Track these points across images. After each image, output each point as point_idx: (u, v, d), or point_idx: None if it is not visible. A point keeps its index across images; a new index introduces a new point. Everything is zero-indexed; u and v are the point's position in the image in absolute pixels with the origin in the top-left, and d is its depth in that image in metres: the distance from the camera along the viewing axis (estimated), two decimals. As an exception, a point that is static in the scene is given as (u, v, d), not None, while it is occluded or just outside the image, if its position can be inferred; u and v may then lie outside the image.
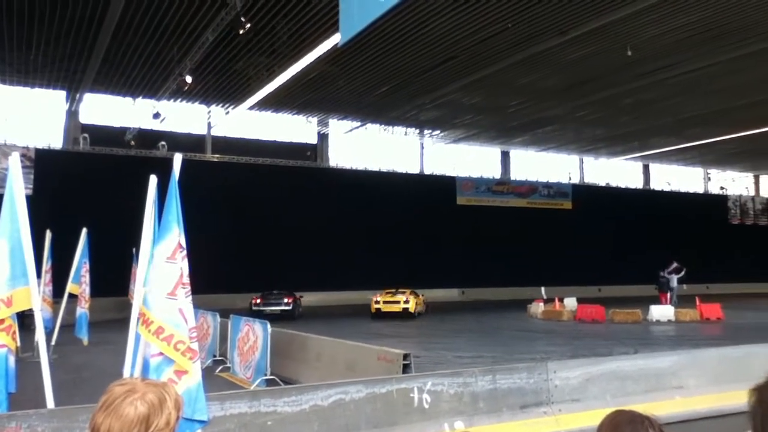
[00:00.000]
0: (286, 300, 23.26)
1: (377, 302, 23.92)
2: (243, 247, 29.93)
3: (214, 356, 12.49)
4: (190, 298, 4.35)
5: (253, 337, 10.40)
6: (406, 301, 23.57)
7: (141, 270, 5.16)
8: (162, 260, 4.33)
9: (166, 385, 1.63)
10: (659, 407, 7.89)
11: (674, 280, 29.52)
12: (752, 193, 50.32)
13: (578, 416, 7.10)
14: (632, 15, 18.34)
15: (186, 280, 4.32)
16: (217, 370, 11.60)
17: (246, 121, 32.31)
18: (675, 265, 29.67)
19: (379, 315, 23.42)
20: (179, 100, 27.57)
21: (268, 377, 9.77)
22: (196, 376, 4.23)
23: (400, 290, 24.64)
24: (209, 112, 30.98)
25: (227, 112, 29.59)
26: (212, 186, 28.96)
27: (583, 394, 7.74)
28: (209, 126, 32.08)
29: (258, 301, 23.31)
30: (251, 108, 27.48)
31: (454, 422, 6.56)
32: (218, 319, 12.81)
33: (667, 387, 8.49)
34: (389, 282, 32.13)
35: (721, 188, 48.64)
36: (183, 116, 30.69)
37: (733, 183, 49.35)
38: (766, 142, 35.07)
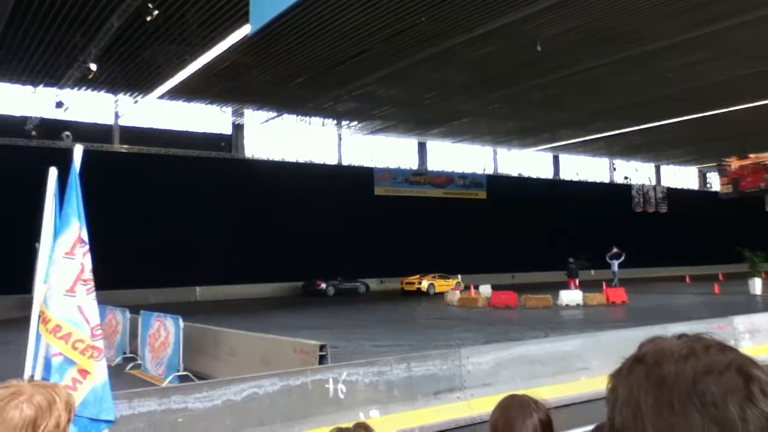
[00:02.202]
0: (317, 282, 32.74)
1: (402, 283, 32.88)
2: (154, 241, 29.01)
3: (124, 353, 12.09)
4: (94, 294, 4.19)
5: (164, 332, 10.13)
6: (420, 283, 31.98)
7: (41, 266, 4.94)
8: (60, 256, 4.15)
9: (56, 387, 1.57)
10: (566, 389, 8.26)
11: (615, 264, 30.87)
12: (654, 182, 53.12)
13: (489, 400, 7.29)
14: (532, 15, 19.07)
15: (87, 276, 4.15)
16: (128, 368, 11.24)
17: (157, 111, 31.27)
18: (615, 250, 31.00)
19: (404, 292, 32.09)
20: (84, 88, 26.40)
21: (181, 373, 9.55)
22: (101, 374, 4.08)
23: (425, 275, 32.64)
24: (116, 101, 29.78)
25: (136, 101, 28.53)
26: (121, 177, 27.97)
27: (495, 379, 7.98)
28: (116, 115, 30.86)
29: (302, 284, 33.62)
30: (161, 97, 26.63)
31: (369, 411, 6.63)
32: (128, 315, 12.39)
33: (574, 369, 8.87)
34: (305, 274, 32.40)
35: (625, 178, 51.06)
36: (89, 105, 29.38)
37: (636, 173, 51.89)
38: (665, 135, 37.18)
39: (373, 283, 35.36)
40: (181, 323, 9.80)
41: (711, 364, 0.76)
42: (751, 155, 40.37)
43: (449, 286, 30.42)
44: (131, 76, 24.90)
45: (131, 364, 11.44)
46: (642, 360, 0.81)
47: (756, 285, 26.28)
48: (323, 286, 32.79)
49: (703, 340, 0.81)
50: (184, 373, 9.59)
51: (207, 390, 5.85)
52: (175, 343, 9.73)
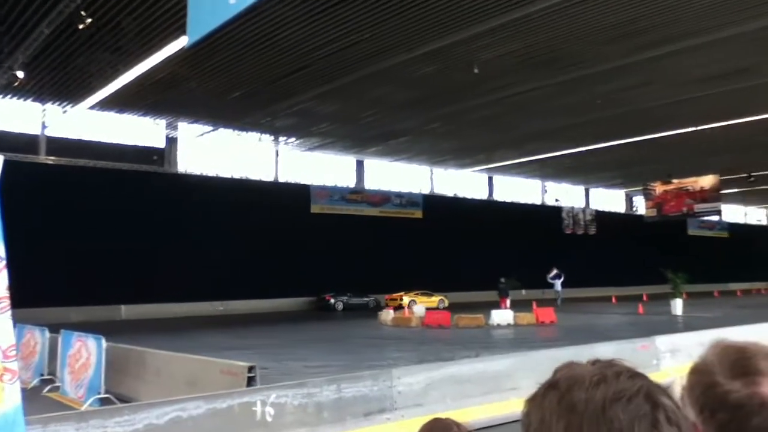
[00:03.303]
0: (326, 298, 33.93)
1: (386, 299, 33.66)
2: (79, 257, 27.87)
3: (42, 375, 11.52)
4: (9, 313, 3.96)
5: (85, 353, 9.71)
6: (401, 299, 32.59)
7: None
8: (-29, 273, 3.91)
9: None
10: (495, 408, 8.34)
11: (557, 284, 31.60)
12: (583, 204, 54.78)
13: (419, 420, 7.17)
14: (473, 37, 19.46)
15: (2, 293, 3.93)
16: (45, 390, 10.72)
17: (87, 122, 30.24)
18: (555, 271, 31.76)
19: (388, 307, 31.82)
20: (9, 96, 25.37)
21: (103, 396, 9.17)
22: (13, 398, 3.85)
23: (408, 292, 33.65)
24: (44, 110, 28.68)
25: (64, 111, 27.57)
26: (46, 190, 26.91)
27: (425, 399, 7.99)
28: (43, 125, 29.69)
29: (315, 299, 34.69)
30: (92, 107, 25.79)
31: (297, 434, 6.52)
32: (47, 334, 11.83)
33: (504, 389, 8.97)
34: (240, 292, 31.76)
35: (556, 200, 52.44)
36: (14, 114, 28.19)
37: (567, 195, 53.41)
38: (593, 159, 38.46)
39: (307, 302, 35.10)
40: (104, 343, 9.43)
41: (620, 391, 0.77)
42: (675, 180, 42.26)
43: (432, 303, 31.75)
44: (61, 84, 24.04)
45: (49, 387, 10.91)
46: (555, 386, 0.82)
47: (677, 306, 27.37)
48: (332, 301, 33.77)
49: (614, 367, 0.82)
50: (106, 395, 9.21)
51: (128, 414, 5.63)
52: (97, 364, 9.34)
